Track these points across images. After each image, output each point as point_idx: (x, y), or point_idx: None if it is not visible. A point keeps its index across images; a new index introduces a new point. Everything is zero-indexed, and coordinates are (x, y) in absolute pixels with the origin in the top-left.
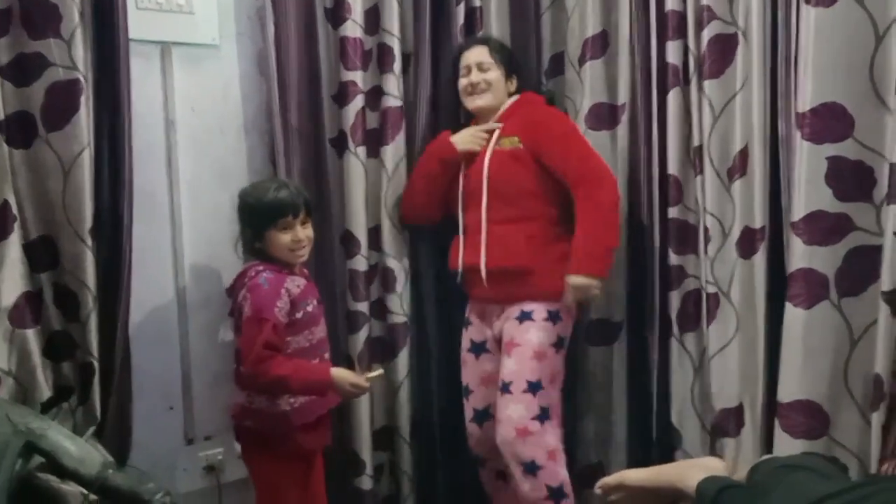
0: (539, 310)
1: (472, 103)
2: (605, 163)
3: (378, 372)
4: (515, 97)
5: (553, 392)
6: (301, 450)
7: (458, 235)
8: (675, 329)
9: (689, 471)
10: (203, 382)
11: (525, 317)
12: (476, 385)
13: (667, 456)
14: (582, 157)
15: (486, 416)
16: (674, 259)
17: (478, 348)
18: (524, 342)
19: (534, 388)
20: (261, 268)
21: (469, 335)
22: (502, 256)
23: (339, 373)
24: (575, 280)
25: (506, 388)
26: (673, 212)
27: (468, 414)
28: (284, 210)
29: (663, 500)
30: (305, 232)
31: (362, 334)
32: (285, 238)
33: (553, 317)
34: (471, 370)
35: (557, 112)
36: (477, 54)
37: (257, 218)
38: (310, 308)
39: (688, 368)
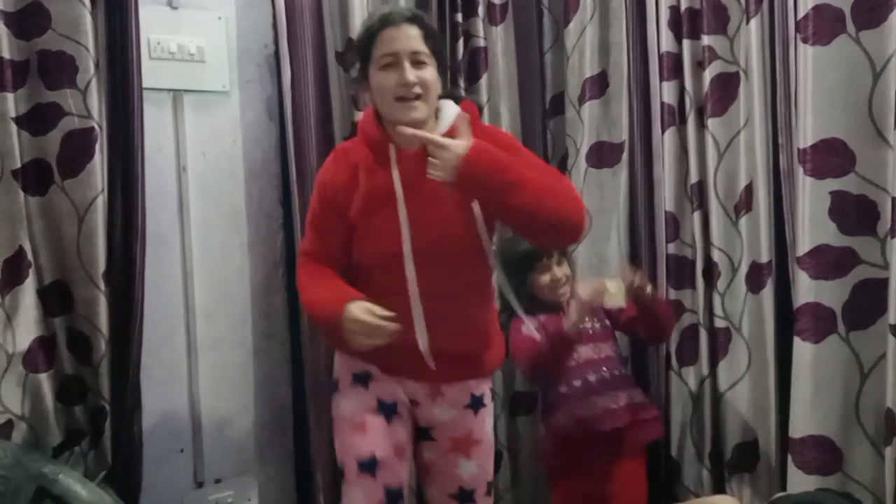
0: (486, 391)
1: (406, 114)
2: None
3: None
4: (452, 108)
5: None
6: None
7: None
8: (675, 363)
9: None
10: (213, 425)
11: (479, 404)
12: (389, 456)
13: (668, 489)
14: (544, 165)
15: (399, 498)
16: (672, 294)
17: (389, 410)
18: (483, 438)
19: (490, 487)
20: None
21: (374, 392)
22: (466, 340)
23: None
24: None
25: (468, 498)
26: (670, 248)
27: (375, 496)
28: (538, 254)
29: None
30: (563, 270)
31: None
32: (544, 279)
33: (493, 395)
34: (380, 437)
35: (501, 130)
36: (410, 40)
37: (518, 267)
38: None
39: (687, 402)
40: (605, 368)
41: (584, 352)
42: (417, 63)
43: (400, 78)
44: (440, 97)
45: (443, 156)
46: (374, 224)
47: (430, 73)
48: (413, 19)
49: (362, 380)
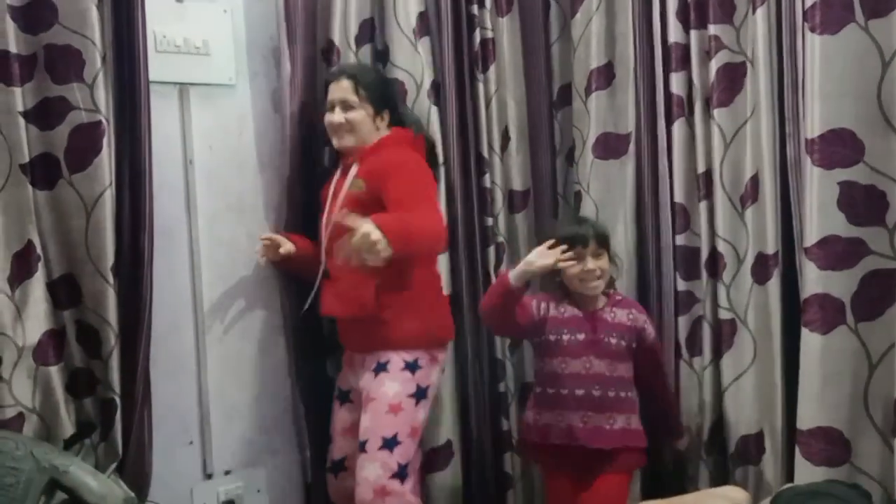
0: (395, 360)
1: (336, 143)
2: (435, 204)
3: None
4: (385, 133)
5: (413, 446)
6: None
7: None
8: (685, 353)
9: (710, 500)
10: (222, 417)
11: (380, 368)
12: (336, 434)
13: (672, 481)
14: (407, 187)
15: (340, 466)
16: (682, 285)
17: (343, 396)
18: (378, 396)
19: (390, 444)
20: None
21: (338, 382)
22: (353, 306)
23: None
24: (366, 226)
25: (362, 447)
26: (680, 239)
27: (327, 462)
28: (573, 241)
29: None
30: (597, 263)
31: None
32: (575, 269)
33: (411, 366)
34: (334, 418)
35: (409, 153)
36: (341, 90)
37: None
38: (566, 337)
39: (696, 393)
40: (612, 388)
41: (597, 365)
42: (347, 108)
43: (331, 119)
44: (393, 124)
45: (367, 243)
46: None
47: (356, 114)
48: (350, 75)
49: (339, 367)
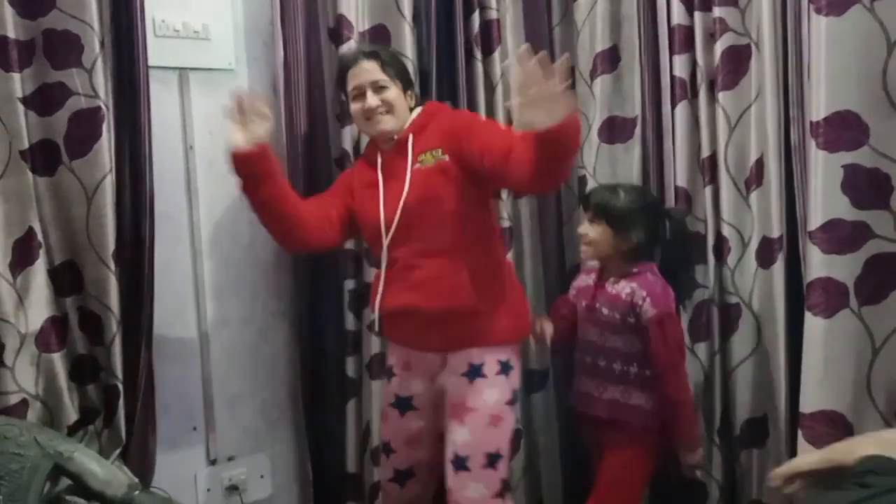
0: (490, 362)
1: (375, 128)
2: None
3: None
4: (418, 109)
5: (509, 457)
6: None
7: (378, 271)
8: (687, 339)
9: (862, 444)
10: (225, 403)
11: (475, 373)
12: (400, 445)
13: (676, 466)
14: (508, 133)
15: (409, 476)
16: None
17: (403, 405)
18: (479, 406)
19: (494, 460)
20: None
21: (392, 389)
22: (443, 296)
23: None
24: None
25: (461, 465)
26: None
27: (386, 473)
28: (582, 203)
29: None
30: (590, 229)
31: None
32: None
33: (505, 368)
34: (394, 428)
35: (461, 111)
36: (367, 73)
37: None
38: (579, 305)
39: (699, 378)
40: (602, 357)
41: (590, 332)
42: (379, 89)
43: (364, 104)
44: (419, 104)
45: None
46: (363, 206)
47: (390, 92)
48: (370, 55)
49: (388, 373)
